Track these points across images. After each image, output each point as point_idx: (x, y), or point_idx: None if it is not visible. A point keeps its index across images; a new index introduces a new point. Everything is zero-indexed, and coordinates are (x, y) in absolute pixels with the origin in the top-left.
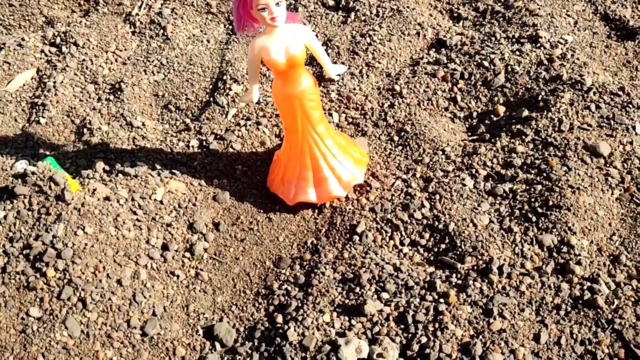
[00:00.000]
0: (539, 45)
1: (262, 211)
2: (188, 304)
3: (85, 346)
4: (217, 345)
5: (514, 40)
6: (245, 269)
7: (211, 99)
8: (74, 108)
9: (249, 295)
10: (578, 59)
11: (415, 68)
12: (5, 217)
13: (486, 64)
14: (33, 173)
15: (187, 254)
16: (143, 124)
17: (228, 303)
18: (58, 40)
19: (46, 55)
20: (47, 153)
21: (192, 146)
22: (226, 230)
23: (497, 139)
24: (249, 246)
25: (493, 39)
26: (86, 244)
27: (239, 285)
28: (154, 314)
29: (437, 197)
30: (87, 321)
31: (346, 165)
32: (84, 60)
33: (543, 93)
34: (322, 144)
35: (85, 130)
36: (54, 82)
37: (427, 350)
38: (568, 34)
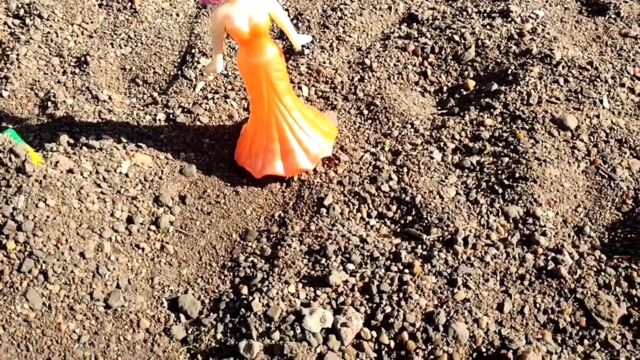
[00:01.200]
0: (509, 19)
1: (229, 184)
2: (153, 277)
3: (47, 318)
4: (182, 317)
5: (485, 14)
6: (211, 242)
7: (179, 72)
8: (38, 81)
9: (215, 268)
10: (548, 33)
11: (386, 42)
12: None
13: (457, 38)
14: None
15: (153, 227)
16: (109, 98)
17: (194, 275)
18: (22, 12)
19: (9, 27)
20: (9, 126)
21: (159, 119)
22: (192, 204)
23: (466, 112)
24: (216, 219)
25: (465, 13)
26: (48, 217)
27: (204, 258)
28: (117, 286)
29: (405, 169)
30: (49, 294)
31: (314, 138)
32: (48, 32)
33: (513, 67)
34: (288, 115)
35: (49, 103)
36: (17, 55)
37: (391, 320)
38: (539, 9)
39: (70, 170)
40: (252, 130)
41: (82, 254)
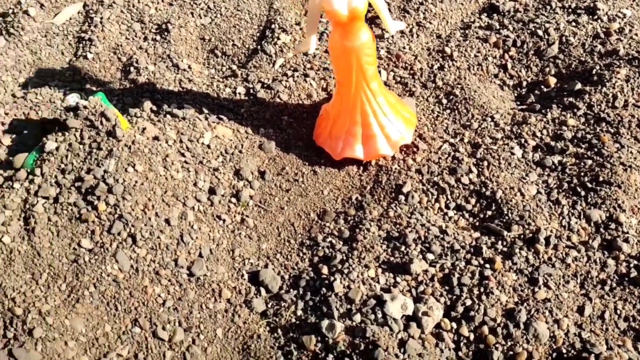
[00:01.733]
0: (596, 17)
1: (307, 163)
2: (233, 249)
3: (135, 280)
4: (262, 290)
5: (570, 10)
6: (289, 219)
7: (258, 47)
8: (120, 46)
9: (293, 245)
10: (636, 34)
11: (467, 32)
12: (57, 148)
13: (540, 33)
14: (85, 107)
15: (234, 200)
16: (189, 67)
17: (273, 251)
18: None
19: None
20: (94, 88)
21: (239, 93)
22: (271, 180)
23: (548, 110)
24: (294, 197)
25: (548, 7)
26: (136, 182)
27: (283, 234)
28: (200, 255)
29: (485, 163)
30: (137, 257)
31: (396, 124)
32: None
33: (597, 67)
34: (373, 100)
35: (132, 68)
36: (101, 18)
37: (472, 313)
38: (627, 8)
39: (156, 138)
40: (335, 112)
41: (167, 221)
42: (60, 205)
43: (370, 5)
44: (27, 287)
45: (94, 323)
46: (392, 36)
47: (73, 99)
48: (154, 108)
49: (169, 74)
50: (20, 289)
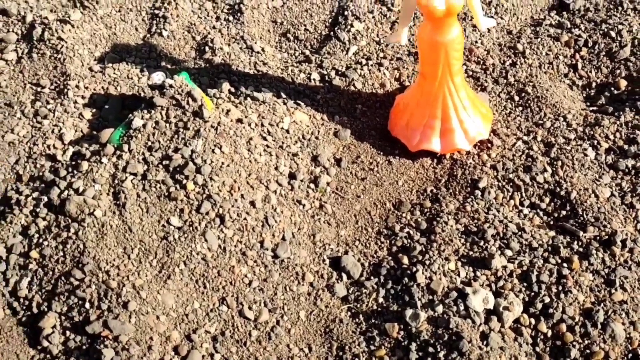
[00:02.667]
0: None
1: (381, 153)
2: (314, 233)
3: (222, 260)
4: (344, 276)
5: None
6: (366, 207)
7: (331, 33)
8: (194, 24)
9: (371, 233)
10: None
11: (537, 29)
12: (144, 125)
13: (613, 34)
14: (171, 86)
15: (312, 185)
16: (263, 50)
17: (351, 238)
18: None
19: None
20: (169, 66)
21: (314, 79)
22: (347, 167)
23: (621, 113)
24: (369, 186)
25: (620, 8)
26: (222, 163)
27: (360, 222)
28: (283, 238)
29: (559, 163)
30: (224, 237)
31: (474, 119)
32: None
33: None
34: (456, 94)
35: (207, 48)
36: None
37: (551, 310)
38: None
39: (239, 120)
40: (414, 103)
41: (252, 203)
42: (148, 182)
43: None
44: (120, 261)
45: (184, 299)
46: (464, 29)
47: (158, 77)
48: (232, 90)
49: (244, 56)
50: (114, 262)
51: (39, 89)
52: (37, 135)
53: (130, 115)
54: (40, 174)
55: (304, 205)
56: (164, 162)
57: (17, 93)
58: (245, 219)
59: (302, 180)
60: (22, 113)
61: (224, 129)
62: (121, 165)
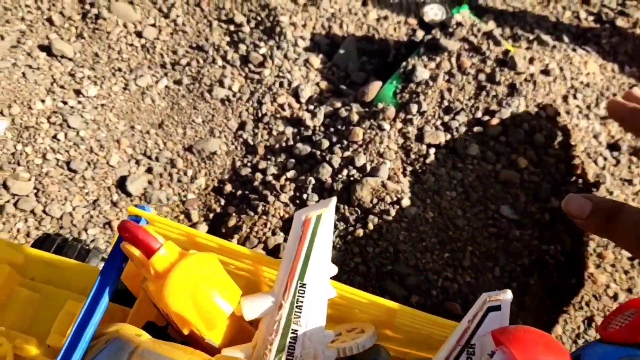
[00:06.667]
0: None
1: None
2: None
3: None
4: None
5: None
6: None
7: None
8: None
9: None
10: None
11: None
12: (432, 78)
13: None
14: (458, 24)
15: None
16: None
17: None
18: None
19: None
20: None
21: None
22: None
23: None
24: None
25: None
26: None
27: None
28: None
29: None
30: None
31: None
32: None
33: None
34: None
35: None
36: None
37: None
38: None
39: (545, 72)
40: None
41: None
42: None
43: None
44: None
45: None
46: None
47: (433, 11)
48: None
49: None
50: None
51: (232, 27)
52: (258, 90)
53: (404, 62)
54: (283, 144)
55: None
56: (474, 129)
57: (202, 33)
58: None
59: None
60: (224, 60)
61: (541, 82)
62: (412, 133)
